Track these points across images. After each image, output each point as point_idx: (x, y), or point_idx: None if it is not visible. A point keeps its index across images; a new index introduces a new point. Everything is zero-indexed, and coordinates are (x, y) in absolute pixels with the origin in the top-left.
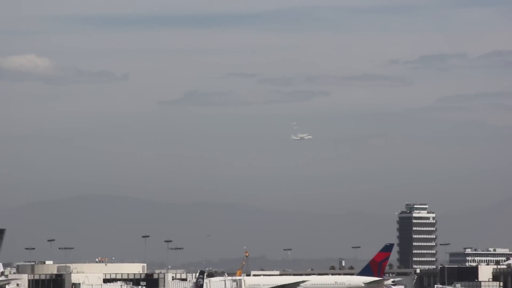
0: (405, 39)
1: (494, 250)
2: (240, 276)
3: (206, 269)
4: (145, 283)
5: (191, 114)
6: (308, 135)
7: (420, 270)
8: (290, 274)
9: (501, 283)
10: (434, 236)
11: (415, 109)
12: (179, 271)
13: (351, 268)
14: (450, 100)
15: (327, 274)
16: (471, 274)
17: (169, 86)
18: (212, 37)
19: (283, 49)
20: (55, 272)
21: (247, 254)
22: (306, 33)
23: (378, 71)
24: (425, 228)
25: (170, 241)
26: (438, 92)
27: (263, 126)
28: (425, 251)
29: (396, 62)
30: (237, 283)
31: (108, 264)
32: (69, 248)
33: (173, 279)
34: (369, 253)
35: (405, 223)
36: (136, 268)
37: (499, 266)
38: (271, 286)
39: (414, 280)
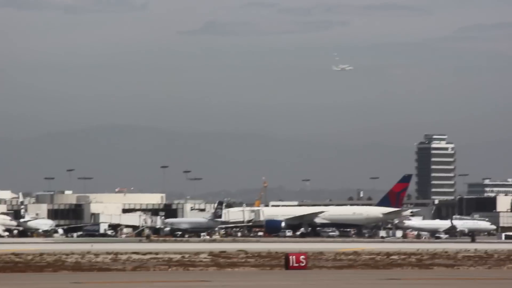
0: None
1: None
2: (259, 206)
3: (225, 199)
4: (164, 213)
5: (211, 44)
6: (349, 66)
7: (439, 201)
8: (308, 205)
9: None
10: (453, 167)
11: (435, 39)
12: (197, 201)
13: (369, 199)
14: (470, 30)
15: (345, 205)
16: (490, 204)
17: (188, 16)
18: None
19: None
20: (74, 202)
21: (265, 185)
22: None
23: (398, 1)
24: (443, 159)
25: (189, 171)
26: (458, 21)
27: (283, 56)
28: (443, 182)
29: None
30: (255, 214)
31: (127, 194)
32: (88, 178)
33: (191, 210)
34: (388, 184)
35: (424, 154)
36: (155, 199)
37: None
38: (289, 216)
39: (433, 211)
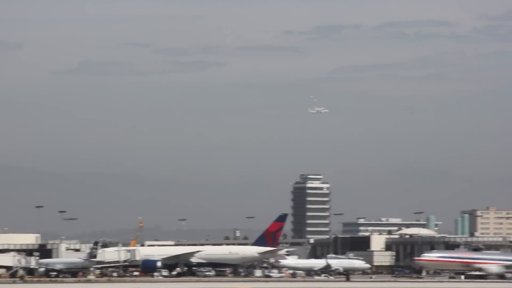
0: (300, 10)
1: (387, 220)
2: (135, 246)
3: (101, 239)
4: (38, 254)
5: (86, 84)
6: (324, 109)
7: (314, 240)
8: (184, 245)
9: (394, 253)
10: (328, 206)
11: (310, 80)
12: (73, 241)
13: (246, 238)
14: (345, 71)
15: (221, 244)
16: (364, 243)
17: (63, 55)
18: (106, 6)
19: (178, 19)
20: None
21: (141, 225)
22: (200, 3)
23: (273, 42)
24: (319, 198)
25: (64, 211)
26: (333, 63)
27: (158, 96)
28: (318, 221)
29: (291, 33)
30: (131, 254)
31: (0, 234)
32: None
33: (67, 250)
34: (264, 223)
35: (299, 194)
36: (29, 239)
37: (391, 236)
38: (165, 256)
39: (308, 250)
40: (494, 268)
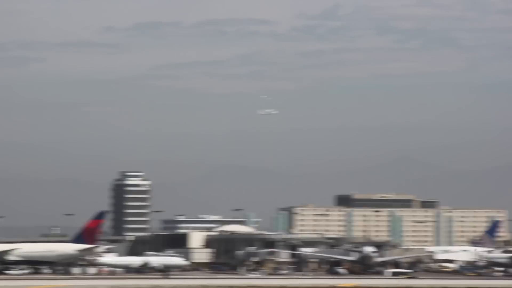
0: (120, 6)
1: (206, 217)
2: None
3: None
4: None
5: None
6: (274, 110)
7: (133, 237)
8: (0, 242)
9: (213, 250)
10: (148, 203)
11: (130, 77)
12: None
13: (64, 235)
14: (164, 68)
15: (39, 241)
16: (183, 240)
17: None
18: None
19: None
20: None
21: None
22: None
23: (94, 38)
24: (138, 196)
25: None
26: (153, 60)
27: None
28: (138, 218)
29: (112, 29)
30: None
31: None
32: None
33: None
34: (83, 221)
35: (119, 190)
36: None
37: (210, 233)
38: None
39: (127, 247)
40: None
